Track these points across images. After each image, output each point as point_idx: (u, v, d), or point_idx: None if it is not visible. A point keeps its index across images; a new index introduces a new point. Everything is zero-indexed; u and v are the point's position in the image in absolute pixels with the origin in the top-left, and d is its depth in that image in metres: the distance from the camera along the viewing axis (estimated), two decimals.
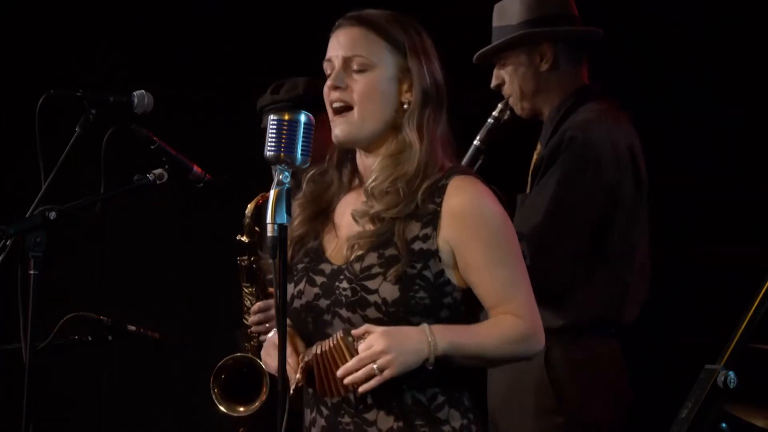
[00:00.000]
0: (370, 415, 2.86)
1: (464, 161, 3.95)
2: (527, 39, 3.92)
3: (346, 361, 2.79)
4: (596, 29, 3.99)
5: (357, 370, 2.77)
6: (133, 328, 3.96)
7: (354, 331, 2.81)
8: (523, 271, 2.91)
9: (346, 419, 2.87)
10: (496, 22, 4.00)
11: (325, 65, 2.95)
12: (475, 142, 3.99)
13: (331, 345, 2.81)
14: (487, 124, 4.02)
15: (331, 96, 2.91)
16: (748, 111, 4.88)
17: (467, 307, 2.89)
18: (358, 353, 2.78)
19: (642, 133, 3.99)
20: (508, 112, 4.01)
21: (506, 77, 3.96)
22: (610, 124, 3.87)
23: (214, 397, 4.17)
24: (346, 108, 2.90)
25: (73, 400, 5.53)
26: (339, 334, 2.81)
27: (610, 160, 3.82)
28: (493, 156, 4.03)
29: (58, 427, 5.34)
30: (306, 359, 2.85)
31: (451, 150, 2.96)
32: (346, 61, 2.90)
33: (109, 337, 3.91)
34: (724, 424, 2.74)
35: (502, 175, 4.26)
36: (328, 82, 2.91)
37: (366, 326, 2.81)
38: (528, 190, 3.94)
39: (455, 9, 5.08)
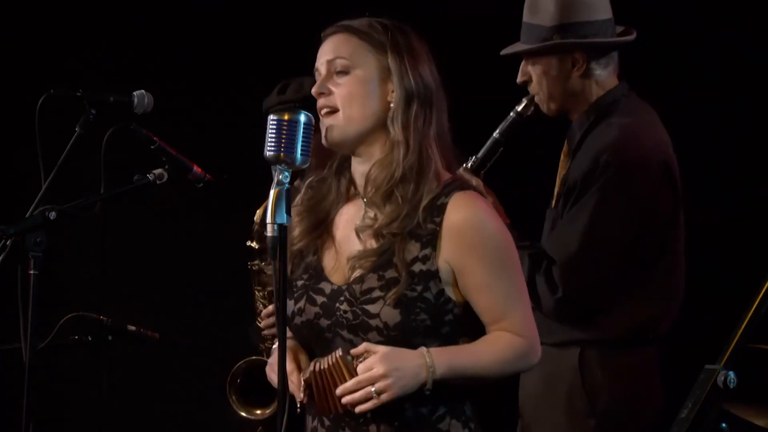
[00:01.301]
0: (371, 428, 2.85)
1: (481, 153, 3.95)
2: (560, 48, 3.87)
3: (345, 379, 2.79)
4: (629, 38, 3.93)
5: (355, 390, 2.78)
6: (133, 328, 3.96)
7: (353, 351, 2.81)
8: (522, 287, 2.90)
9: None
10: (527, 17, 3.92)
11: (315, 75, 2.95)
12: (495, 134, 3.96)
13: (330, 363, 2.81)
14: (508, 117, 3.98)
15: (318, 103, 2.91)
16: (748, 110, 4.89)
17: (468, 320, 2.88)
18: (356, 372, 2.78)
19: None
20: (532, 108, 3.96)
21: (534, 77, 3.91)
22: (642, 139, 3.83)
23: (231, 403, 4.16)
24: (333, 112, 2.89)
25: (73, 400, 5.53)
26: (338, 352, 2.81)
27: (646, 180, 3.79)
28: (513, 149, 4.01)
29: (58, 427, 5.34)
30: (305, 377, 2.85)
31: (451, 155, 2.93)
32: (329, 67, 2.90)
33: (109, 337, 3.91)
34: (724, 424, 2.74)
35: (520, 167, 4.30)
36: (313, 90, 2.92)
37: (365, 345, 2.80)
38: (553, 202, 3.94)
39: (455, 10, 5.09)
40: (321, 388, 2.82)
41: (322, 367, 2.82)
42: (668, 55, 4.90)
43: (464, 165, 3.90)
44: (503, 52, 3.97)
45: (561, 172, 3.96)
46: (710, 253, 4.82)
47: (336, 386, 2.80)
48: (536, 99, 3.93)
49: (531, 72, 3.92)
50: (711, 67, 4.91)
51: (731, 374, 2.62)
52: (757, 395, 2.93)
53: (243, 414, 4.17)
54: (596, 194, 3.75)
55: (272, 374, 2.93)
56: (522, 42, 3.93)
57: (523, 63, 3.94)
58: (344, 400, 2.78)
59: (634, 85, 3.96)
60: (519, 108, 3.97)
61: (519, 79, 3.94)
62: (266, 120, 2.74)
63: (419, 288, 2.82)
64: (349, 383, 2.78)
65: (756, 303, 2.63)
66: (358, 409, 2.78)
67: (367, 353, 2.79)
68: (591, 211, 3.75)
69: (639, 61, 4.00)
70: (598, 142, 3.81)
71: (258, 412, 4.16)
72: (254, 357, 4.15)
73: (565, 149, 3.98)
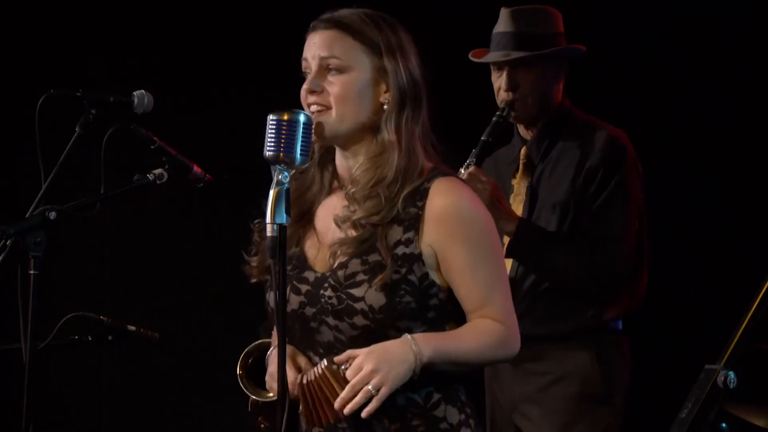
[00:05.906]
0: (367, 421, 2.83)
1: (476, 155, 4.07)
2: (569, 53, 4.07)
3: (334, 388, 2.78)
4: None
5: (353, 396, 2.77)
6: (133, 328, 3.96)
7: (336, 359, 2.80)
8: (503, 274, 2.91)
9: (343, 425, 2.86)
10: (521, 27, 4.06)
11: (303, 64, 2.94)
12: (483, 137, 4.09)
13: (317, 375, 2.80)
14: (493, 121, 4.11)
15: (307, 99, 2.90)
16: (748, 108, 4.90)
17: (453, 306, 2.88)
18: (344, 380, 2.77)
19: (653, 128, 4.06)
20: (512, 114, 4.10)
21: (526, 82, 4.06)
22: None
23: (239, 380, 4.15)
24: (325, 110, 2.89)
25: (73, 400, 5.53)
26: (323, 363, 2.80)
27: (639, 167, 4.09)
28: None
29: (58, 427, 5.34)
30: (293, 393, 2.82)
31: (432, 148, 2.94)
32: (322, 64, 2.90)
33: (109, 337, 3.91)
34: (724, 424, 2.74)
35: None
36: (305, 86, 2.91)
37: (348, 352, 2.80)
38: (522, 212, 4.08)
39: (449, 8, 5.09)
40: (311, 400, 2.81)
41: (309, 380, 2.81)
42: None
43: (460, 170, 4.02)
44: (503, 58, 4.07)
45: (524, 181, 4.12)
46: (710, 252, 4.82)
47: (325, 396, 2.79)
48: (519, 102, 4.08)
49: (522, 78, 4.05)
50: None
51: (731, 374, 2.62)
52: (757, 395, 2.93)
53: (253, 396, 4.17)
54: (624, 175, 3.98)
55: (273, 384, 2.90)
56: (517, 50, 4.04)
57: (510, 70, 4.06)
58: (346, 409, 2.77)
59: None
60: (500, 112, 4.12)
61: (510, 86, 4.06)
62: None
63: (403, 270, 2.83)
64: (345, 392, 2.76)
65: (756, 303, 2.63)
66: (364, 413, 2.76)
67: (351, 358, 2.79)
68: (625, 193, 3.97)
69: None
70: (602, 132, 4.03)
71: (270, 395, 4.16)
72: (265, 339, 4.15)
73: (525, 158, 4.12)
